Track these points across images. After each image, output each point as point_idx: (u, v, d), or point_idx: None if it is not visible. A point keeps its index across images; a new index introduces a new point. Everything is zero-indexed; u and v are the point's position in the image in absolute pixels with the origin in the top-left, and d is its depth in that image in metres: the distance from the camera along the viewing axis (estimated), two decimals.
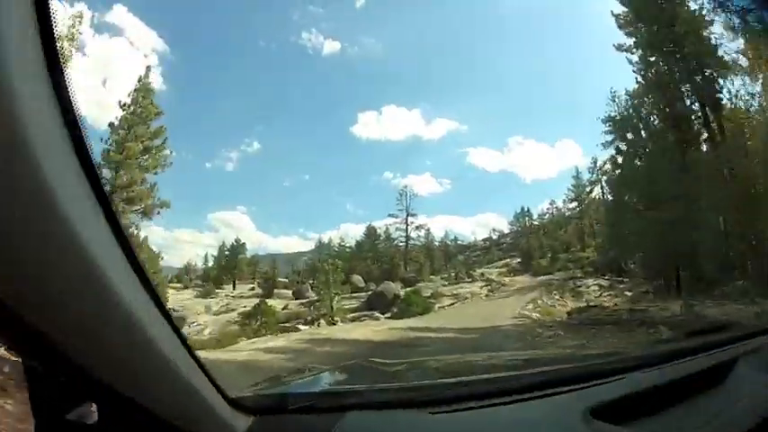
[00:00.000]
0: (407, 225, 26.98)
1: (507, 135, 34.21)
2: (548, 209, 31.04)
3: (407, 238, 27.02)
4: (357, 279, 24.30)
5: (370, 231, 27.64)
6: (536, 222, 30.33)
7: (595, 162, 23.05)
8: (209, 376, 0.74)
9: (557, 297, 14.99)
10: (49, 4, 0.45)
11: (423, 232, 27.45)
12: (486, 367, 1.40)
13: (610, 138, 18.96)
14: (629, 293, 13.73)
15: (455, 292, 20.53)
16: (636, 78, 14.27)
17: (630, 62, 14.13)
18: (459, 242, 33.24)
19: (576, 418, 0.88)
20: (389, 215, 27.35)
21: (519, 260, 26.55)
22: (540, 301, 14.37)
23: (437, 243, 30.07)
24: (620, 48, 14.29)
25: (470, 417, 0.93)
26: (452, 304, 18.19)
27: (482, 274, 24.01)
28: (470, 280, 23.33)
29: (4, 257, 0.40)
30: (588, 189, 25.06)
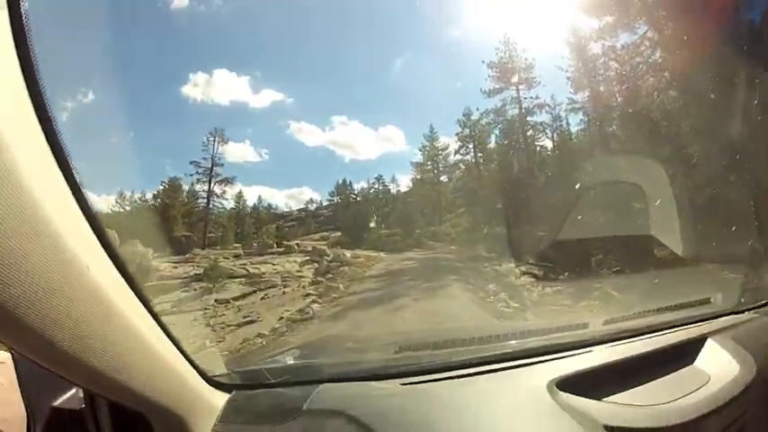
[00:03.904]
0: (211, 178, 22.54)
1: (331, 113, 32.91)
2: (372, 183, 29.10)
3: (210, 193, 22.73)
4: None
5: (172, 183, 23.29)
6: (358, 198, 28.99)
7: (468, 116, 20.06)
8: (187, 357, 0.81)
9: (505, 297, 8.07)
10: (20, 3, 0.47)
11: (230, 190, 23.81)
12: (456, 341, 1.40)
13: (498, 85, 17.33)
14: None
15: (252, 269, 12.91)
16: None
17: None
18: (272, 210, 30.09)
19: (541, 390, 0.96)
20: (191, 162, 22.43)
21: (340, 233, 23.58)
22: None
23: (249, 209, 27.35)
24: None
25: (439, 388, 0.99)
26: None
27: (298, 245, 18.23)
28: (282, 250, 17.08)
29: None
30: (457, 147, 21.83)
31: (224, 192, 23.84)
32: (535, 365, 1.09)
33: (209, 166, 22.67)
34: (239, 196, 25.91)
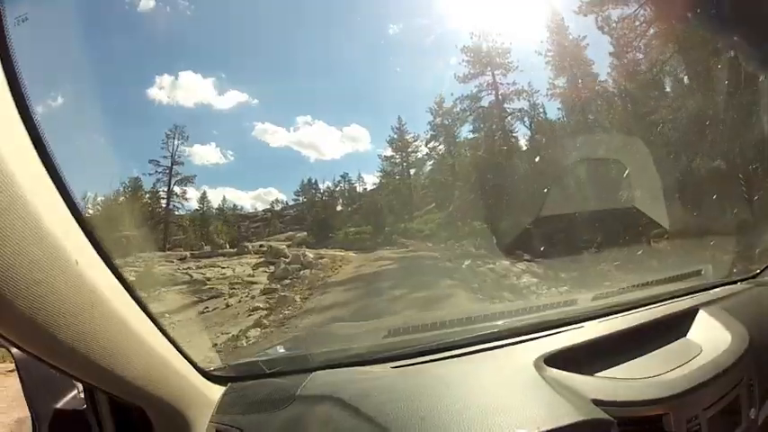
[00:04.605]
0: (171, 176, 21.97)
1: (296, 114, 34.06)
2: (338, 182, 29.62)
3: (169, 193, 22.22)
4: None
5: (133, 183, 22.15)
6: (324, 197, 29.34)
7: (440, 104, 19.79)
8: (181, 351, 0.86)
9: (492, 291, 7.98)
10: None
11: (192, 192, 23.57)
12: (444, 323, 1.47)
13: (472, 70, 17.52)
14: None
15: (196, 274, 12.51)
16: None
17: None
18: (238, 211, 30.41)
19: (528, 366, 1.01)
20: (150, 161, 21.83)
21: (306, 233, 23.72)
22: None
23: (214, 211, 27.25)
24: None
25: (428, 368, 1.05)
26: None
27: (261, 246, 17.24)
28: (235, 251, 16.18)
29: None
30: (428, 137, 21.67)
31: (184, 192, 23.43)
32: (524, 343, 1.15)
33: (177, 169, 22.33)
34: (203, 198, 25.77)
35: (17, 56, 0.58)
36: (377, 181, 26.25)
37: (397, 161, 24.15)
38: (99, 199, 22.22)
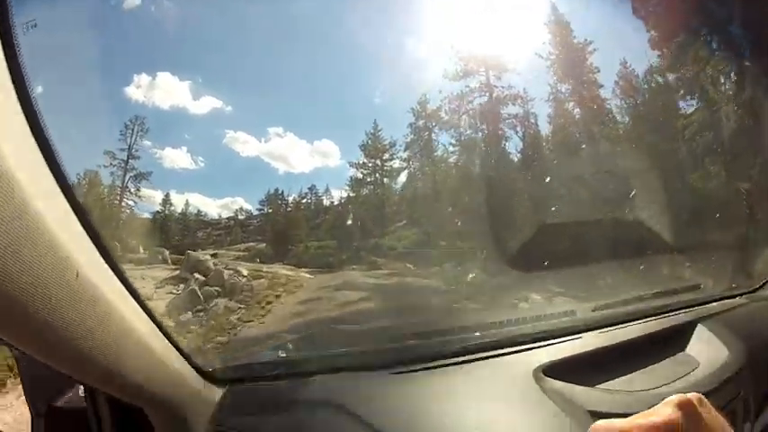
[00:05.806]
0: (126, 171, 20.25)
1: (268, 124, 28.36)
2: (305, 194, 28.11)
3: (124, 188, 20.57)
4: None
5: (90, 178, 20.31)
6: (290, 210, 27.74)
7: (424, 104, 19.41)
8: (182, 352, 0.91)
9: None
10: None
11: (148, 190, 20.99)
12: (444, 330, 1.59)
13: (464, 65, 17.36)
14: None
15: None
16: None
17: None
18: (201, 217, 28.60)
19: (527, 376, 1.10)
20: (105, 152, 19.87)
21: (265, 244, 22.89)
22: None
23: (177, 215, 25.45)
24: None
25: (427, 376, 1.14)
26: None
27: (178, 253, 14.23)
28: (145, 257, 13.20)
29: None
30: (408, 139, 20.99)
31: (136, 190, 21.36)
32: (523, 353, 1.24)
33: (132, 164, 20.88)
34: (167, 201, 23.93)
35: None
36: (346, 194, 24.86)
37: (371, 168, 23.05)
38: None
